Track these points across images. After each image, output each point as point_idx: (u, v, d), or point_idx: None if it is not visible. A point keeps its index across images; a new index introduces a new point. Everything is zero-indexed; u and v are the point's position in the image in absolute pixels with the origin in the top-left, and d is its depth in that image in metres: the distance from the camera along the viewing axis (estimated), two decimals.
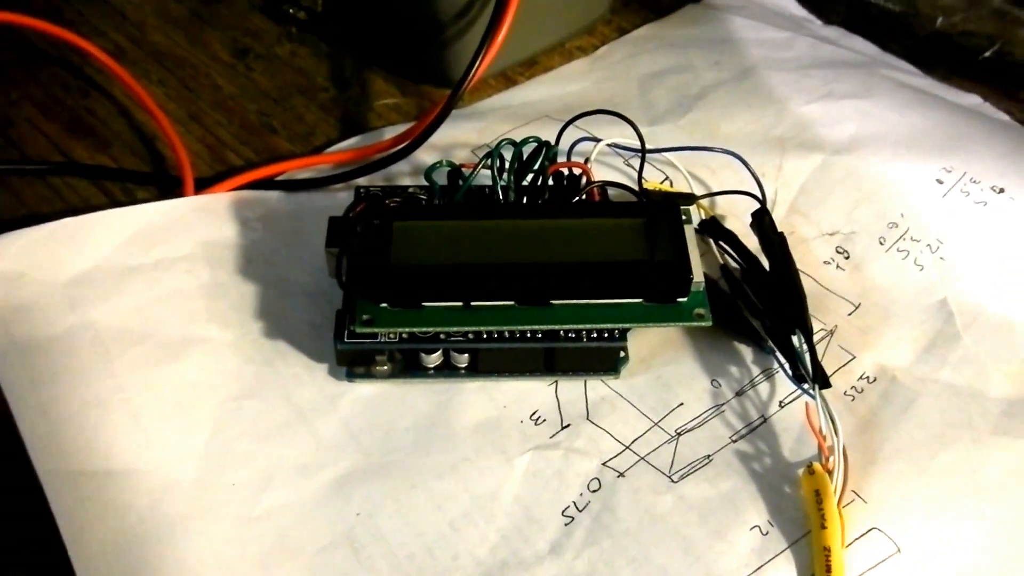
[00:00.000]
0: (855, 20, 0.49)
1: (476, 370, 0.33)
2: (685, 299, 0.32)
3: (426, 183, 0.35)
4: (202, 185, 0.40)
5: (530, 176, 0.35)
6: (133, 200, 0.40)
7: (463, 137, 0.42)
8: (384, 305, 0.31)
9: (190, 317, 0.34)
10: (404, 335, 0.32)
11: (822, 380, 0.31)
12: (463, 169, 0.35)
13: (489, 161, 0.34)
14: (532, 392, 0.33)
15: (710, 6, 0.50)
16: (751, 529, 0.30)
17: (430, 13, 0.42)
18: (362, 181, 0.40)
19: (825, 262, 0.38)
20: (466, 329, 0.32)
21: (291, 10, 0.47)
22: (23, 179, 0.40)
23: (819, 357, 0.34)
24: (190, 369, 0.33)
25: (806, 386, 0.32)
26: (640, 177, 0.37)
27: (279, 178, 0.40)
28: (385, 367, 0.33)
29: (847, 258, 0.38)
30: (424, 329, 0.31)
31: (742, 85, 0.44)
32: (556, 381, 0.34)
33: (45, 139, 0.42)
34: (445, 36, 0.43)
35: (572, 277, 0.31)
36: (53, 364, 0.32)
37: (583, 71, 0.46)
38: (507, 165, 0.35)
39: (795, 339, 0.33)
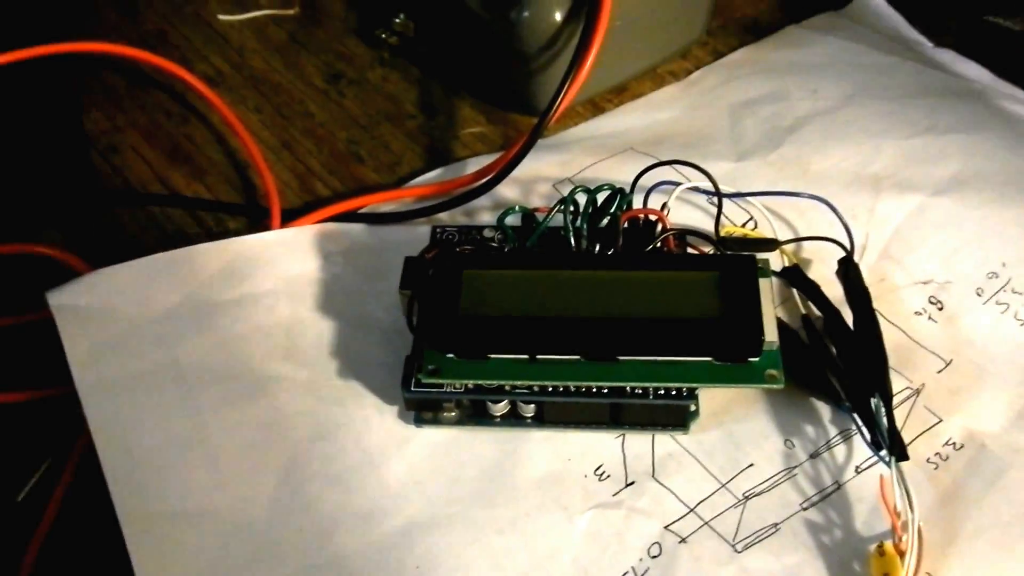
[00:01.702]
0: (969, 41, 0.46)
1: (542, 420, 0.33)
2: (757, 359, 0.31)
3: (497, 225, 0.35)
4: (289, 216, 0.41)
5: (605, 220, 0.35)
6: (224, 230, 0.41)
7: (545, 170, 0.41)
8: (451, 355, 0.32)
9: (269, 354, 0.35)
10: (470, 386, 0.32)
11: (899, 452, 0.30)
12: (537, 214, 0.35)
13: (563, 207, 0.34)
14: (599, 444, 0.33)
15: (811, 28, 0.48)
16: None
17: (517, 40, 0.42)
18: (443, 216, 0.40)
19: (916, 312, 0.36)
20: (531, 383, 0.32)
21: (383, 35, 0.48)
22: (125, 207, 0.42)
23: (903, 419, 0.33)
24: (266, 409, 0.34)
25: (883, 454, 0.31)
26: (717, 225, 0.36)
27: (362, 211, 0.41)
28: (453, 414, 0.33)
29: (940, 309, 0.36)
30: (489, 382, 0.32)
31: (839, 116, 0.42)
32: (624, 434, 0.33)
33: (146, 166, 0.44)
34: (531, 64, 0.42)
35: (640, 334, 0.31)
36: (138, 402, 0.33)
37: (673, 98, 0.45)
38: (580, 210, 0.34)
39: (874, 402, 0.31)
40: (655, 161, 0.38)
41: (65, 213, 0.42)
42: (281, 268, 0.38)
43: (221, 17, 0.50)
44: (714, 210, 0.38)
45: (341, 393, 0.35)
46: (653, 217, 0.34)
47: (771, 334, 0.31)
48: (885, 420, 0.31)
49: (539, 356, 0.31)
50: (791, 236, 0.37)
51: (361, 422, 0.34)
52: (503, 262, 0.33)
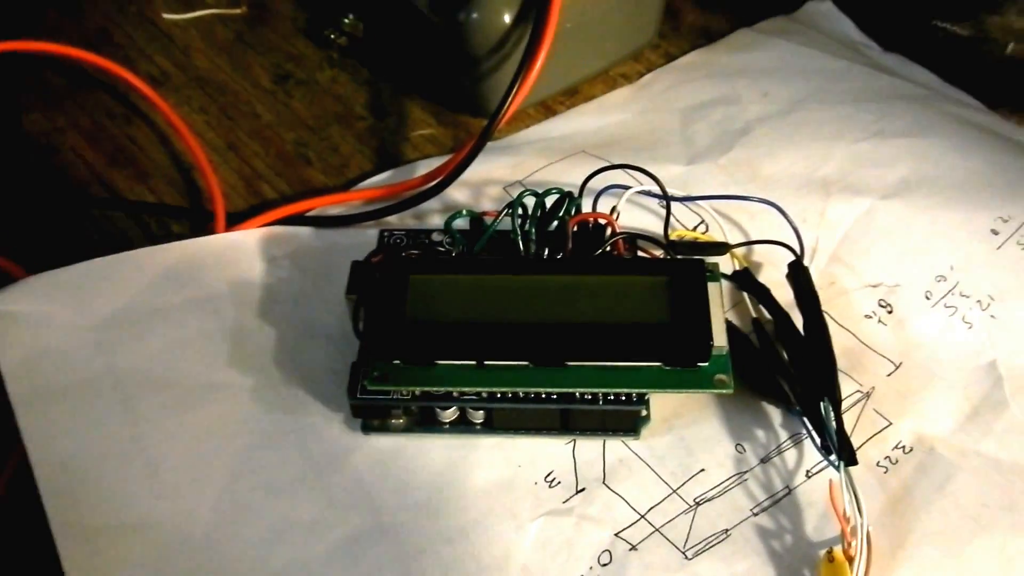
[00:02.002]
0: (918, 46, 0.46)
1: (492, 426, 0.33)
2: (706, 364, 0.31)
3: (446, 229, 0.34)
4: (234, 220, 0.40)
5: (554, 224, 0.34)
6: (168, 234, 0.40)
7: (496, 173, 0.41)
8: (397, 362, 0.31)
9: (212, 361, 0.34)
10: (417, 392, 0.31)
11: (848, 456, 0.30)
12: (485, 217, 0.35)
13: (511, 211, 0.34)
14: (549, 451, 0.33)
15: (762, 31, 0.48)
16: None
17: (465, 42, 0.41)
18: (392, 220, 0.39)
19: (866, 316, 0.36)
20: (479, 389, 0.31)
21: (332, 35, 0.47)
22: (64, 211, 0.41)
23: (852, 423, 0.33)
24: (209, 417, 0.33)
25: (833, 459, 0.30)
26: (666, 229, 0.36)
27: (310, 214, 0.40)
28: (400, 421, 0.33)
29: (890, 312, 0.36)
30: (436, 388, 0.31)
31: (789, 119, 0.42)
32: (574, 440, 0.33)
33: (87, 168, 0.43)
34: (480, 66, 0.42)
35: (588, 339, 0.31)
36: (74, 412, 0.32)
37: (625, 101, 0.45)
38: (529, 214, 0.34)
39: (823, 406, 0.31)
40: (606, 164, 0.38)
41: (1, 216, 0.40)
42: (226, 272, 0.37)
43: (166, 16, 0.49)
44: (664, 212, 0.38)
45: (287, 401, 0.34)
46: (603, 221, 0.34)
47: (720, 339, 0.31)
48: (834, 424, 0.31)
49: (487, 362, 0.31)
50: (742, 239, 0.37)
51: (307, 429, 0.33)
52: (450, 267, 0.33)
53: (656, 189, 0.36)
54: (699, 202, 0.38)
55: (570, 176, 0.40)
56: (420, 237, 0.36)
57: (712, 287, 0.32)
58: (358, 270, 0.34)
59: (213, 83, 0.46)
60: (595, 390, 0.31)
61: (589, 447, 0.33)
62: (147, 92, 0.44)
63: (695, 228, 0.38)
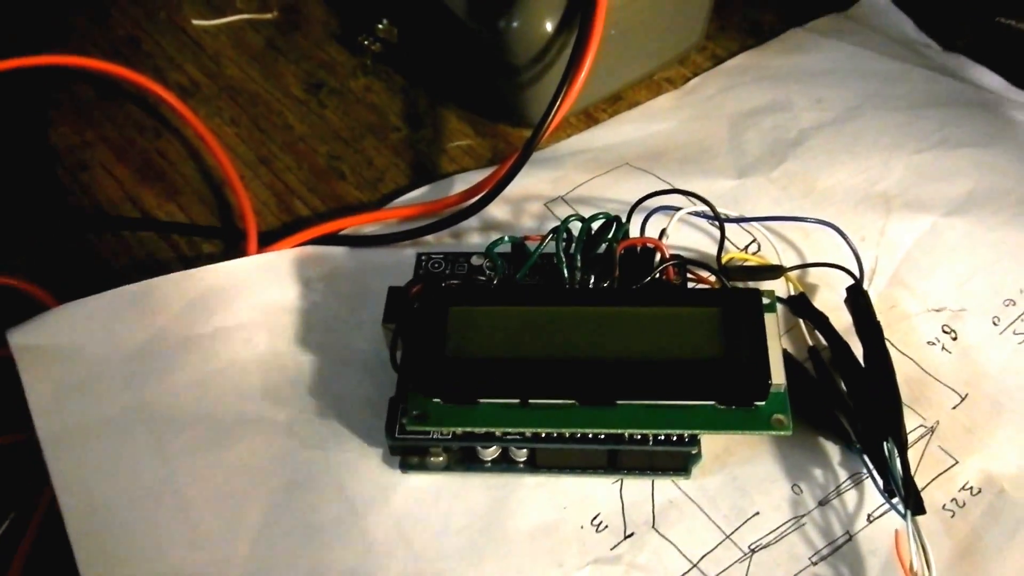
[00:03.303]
0: (982, 45, 0.44)
1: (536, 465, 0.31)
2: (763, 403, 0.29)
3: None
4: (266, 239, 0.39)
5: (602, 247, 0.33)
6: (198, 254, 0.39)
7: (536, 188, 0.39)
8: (437, 400, 0.30)
9: (245, 394, 0.33)
10: (458, 432, 0.30)
11: (916, 505, 0.28)
12: (527, 242, 0.33)
13: (555, 236, 0.32)
14: (595, 491, 0.31)
15: (814, 31, 0.45)
16: None
17: (507, 51, 0.39)
18: (430, 239, 0.38)
19: (929, 342, 0.34)
20: (523, 429, 0.30)
21: (366, 42, 0.45)
22: (94, 231, 0.40)
23: (916, 461, 0.31)
24: (243, 455, 0.32)
25: (897, 504, 0.29)
26: (719, 254, 0.34)
27: (343, 232, 0.39)
28: (440, 459, 0.31)
29: (955, 339, 0.34)
30: (478, 429, 0.30)
31: (845, 128, 0.40)
32: (621, 479, 0.31)
33: (116, 184, 0.42)
34: (522, 75, 0.40)
35: (638, 376, 0.29)
36: (104, 452, 0.31)
37: (670, 108, 0.43)
38: (575, 240, 0.32)
39: (887, 447, 0.29)
40: (652, 178, 0.37)
41: (31, 237, 0.39)
42: (257, 297, 0.36)
43: (196, 23, 0.48)
44: (716, 232, 0.36)
45: (322, 435, 0.33)
46: (651, 245, 0.32)
47: (778, 376, 0.29)
48: (900, 469, 0.29)
49: (531, 401, 0.29)
50: (796, 260, 0.36)
51: (343, 467, 0.32)
52: (492, 298, 0.31)
53: (707, 209, 0.35)
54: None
55: (614, 191, 0.39)
56: (459, 261, 0.34)
57: (769, 319, 0.30)
58: (395, 297, 0.33)
59: (245, 93, 0.45)
60: (645, 431, 0.29)
61: (637, 487, 0.31)
62: (177, 105, 0.42)
63: (747, 248, 0.36)
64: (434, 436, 0.30)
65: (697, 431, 0.29)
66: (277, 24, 0.48)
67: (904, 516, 0.28)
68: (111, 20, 0.48)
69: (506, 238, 0.32)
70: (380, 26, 0.45)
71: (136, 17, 0.48)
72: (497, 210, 0.38)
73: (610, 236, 0.32)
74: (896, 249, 0.36)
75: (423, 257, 0.35)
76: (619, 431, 0.29)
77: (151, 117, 0.44)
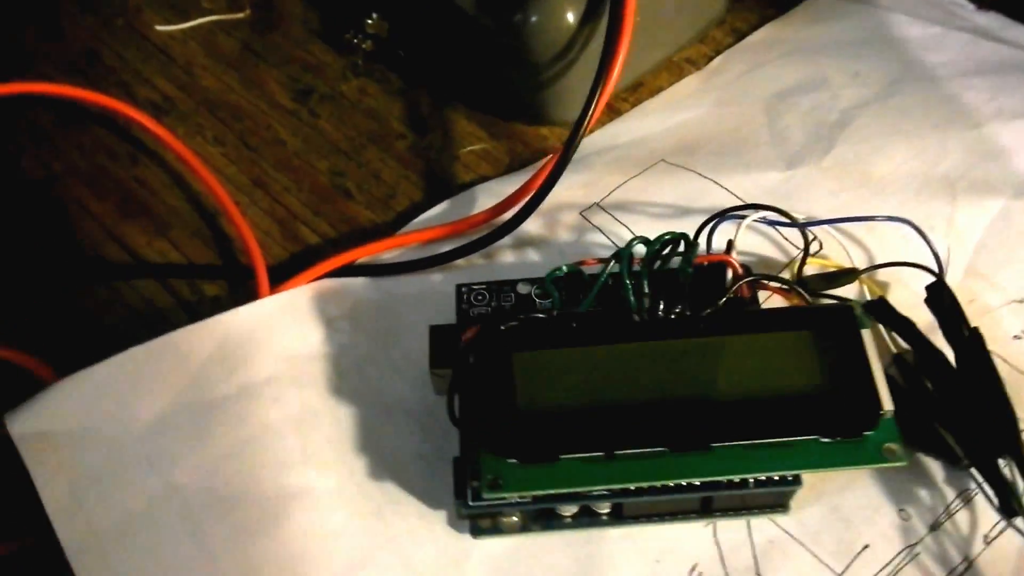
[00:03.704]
0: (1015, 1, 0.41)
1: (621, 517, 0.28)
2: (872, 432, 0.26)
3: (533, 278, 0.30)
4: (276, 274, 0.35)
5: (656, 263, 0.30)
6: (201, 298, 0.35)
7: (567, 195, 0.36)
8: (512, 460, 0.26)
9: (283, 461, 0.30)
10: (539, 494, 0.27)
11: None
12: (583, 267, 0.30)
13: (618, 263, 0.29)
14: (688, 538, 0.28)
15: None
16: None
17: (525, 48, 0.36)
18: (460, 263, 0.34)
19: (1015, 337, 0.32)
20: (610, 486, 0.27)
21: (355, 39, 0.41)
22: (79, 283, 0.36)
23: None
24: (292, 537, 0.28)
25: (1019, 522, 0.27)
26: (802, 266, 0.31)
27: (361, 261, 0.35)
28: (515, 519, 0.28)
29: None
30: (561, 490, 0.27)
31: (890, 104, 0.37)
32: (714, 522, 0.29)
33: (95, 222, 0.37)
34: (542, 73, 0.36)
35: (734, 416, 0.26)
36: (139, 551, 0.27)
37: (696, 92, 0.40)
38: (643, 265, 0.29)
39: (1003, 463, 0.27)
40: (693, 175, 0.34)
41: (9, 296, 0.35)
42: (280, 346, 0.32)
43: (159, 28, 0.43)
44: (774, 234, 0.34)
45: (376, 501, 0.29)
46: (723, 261, 0.29)
47: (887, 402, 0.26)
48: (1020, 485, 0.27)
49: (618, 452, 0.26)
50: (864, 259, 0.33)
51: (406, 536, 0.29)
52: (558, 338, 0.28)
53: (773, 215, 0.32)
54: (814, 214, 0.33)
55: (654, 193, 0.35)
56: (503, 290, 0.31)
57: (865, 336, 0.27)
58: (439, 338, 0.30)
59: (225, 106, 0.41)
60: (744, 476, 0.27)
61: (732, 529, 0.29)
62: (151, 125, 0.38)
63: (808, 248, 0.33)
64: (512, 500, 0.27)
65: (801, 471, 0.27)
66: (251, 24, 0.43)
67: None
68: (64, 34, 0.43)
69: (564, 267, 0.29)
70: (369, 21, 0.41)
71: (91, 27, 0.43)
72: (529, 224, 0.35)
73: (681, 258, 0.29)
74: (968, 238, 0.33)
75: (463, 289, 0.31)
76: (717, 478, 0.27)
77: (123, 141, 0.40)
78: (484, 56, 0.38)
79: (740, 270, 0.29)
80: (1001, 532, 0.28)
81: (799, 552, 0.28)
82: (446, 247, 0.35)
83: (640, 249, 0.29)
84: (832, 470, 0.27)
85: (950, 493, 0.29)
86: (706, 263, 0.30)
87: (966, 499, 0.29)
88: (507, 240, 0.35)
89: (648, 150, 0.37)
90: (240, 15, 0.44)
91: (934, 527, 0.28)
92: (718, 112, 0.39)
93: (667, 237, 0.29)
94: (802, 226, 0.31)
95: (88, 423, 0.29)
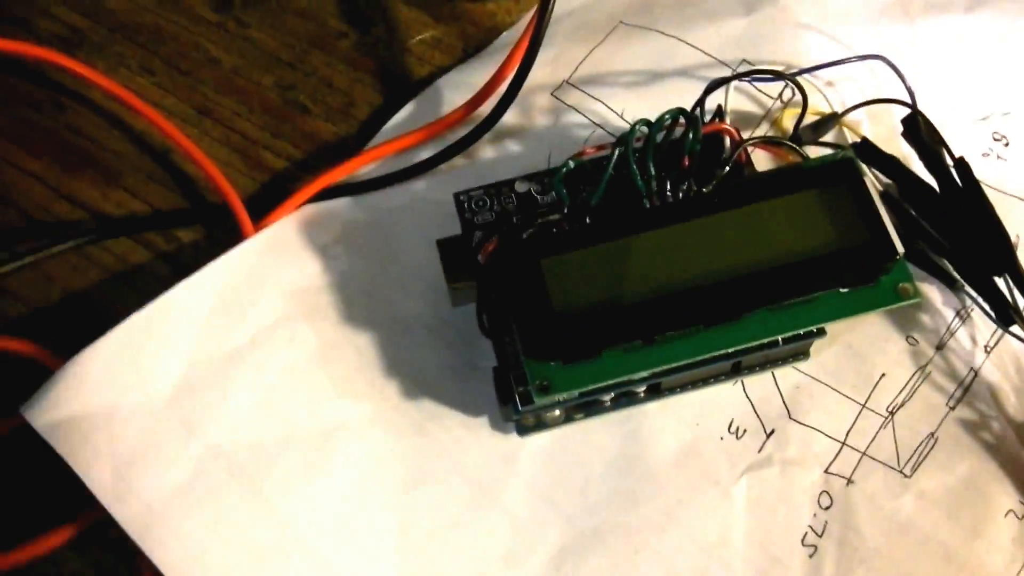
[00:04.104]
0: None
1: (657, 392, 0.30)
2: (887, 275, 0.28)
3: (529, 174, 0.30)
4: (254, 208, 0.33)
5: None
6: (179, 245, 0.34)
7: (535, 76, 0.34)
8: (555, 363, 0.27)
9: (316, 398, 0.30)
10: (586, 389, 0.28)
11: None
12: (583, 157, 0.30)
13: (623, 149, 0.29)
14: (720, 398, 0.30)
15: None
16: (1005, 515, 0.28)
17: None
18: (443, 168, 0.34)
19: (983, 155, 0.33)
20: (652, 370, 0.28)
21: None
22: (42, 251, 0.33)
23: None
24: (345, 470, 0.29)
25: (1015, 329, 0.29)
26: (800, 122, 0.31)
27: (341, 182, 0.34)
28: (558, 412, 0.29)
29: (1007, 145, 0.33)
30: (607, 382, 0.27)
31: None
32: (741, 379, 0.30)
33: (38, 182, 0.35)
34: None
35: (760, 284, 0.27)
36: (202, 520, 0.27)
37: None
38: (650, 149, 0.29)
39: (1000, 282, 0.29)
40: (656, 35, 0.33)
41: None
42: (280, 283, 0.32)
43: None
44: (747, 86, 0.34)
45: (417, 419, 0.30)
46: (723, 132, 0.29)
47: (899, 245, 0.28)
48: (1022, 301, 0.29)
49: (656, 337, 0.27)
50: (835, 97, 0.34)
51: (454, 446, 0.29)
52: (579, 239, 0.28)
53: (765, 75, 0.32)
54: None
55: (622, 61, 0.35)
56: (503, 192, 0.31)
57: (868, 184, 0.28)
58: (449, 251, 0.30)
59: (142, 28, 0.37)
60: (774, 337, 0.28)
61: (759, 382, 0.30)
62: (67, 63, 0.35)
63: (780, 96, 0.34)
64: (559, 399, 0.28)
65: (826, 323, 0.28)
66: None
67: None
68: None
69: (571, 162, 0.29)
70: None
71: None
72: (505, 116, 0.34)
73: (687, 136, 0.29)
74: (930, 62, 0.34)
75: (462, 198, 0.31)
76: (750, 344, 0.28)
77: (41, 87, 0.36)
78: None
79: (738, 136, 0.29)
80: (998, 341, 0.30)
81: (823, 391, 0.30)
82: (425, 153, 0.34)
83: (640, 129, 0.29)
84: (853, 317, 0.28)
85: (948, 314, 0.31)
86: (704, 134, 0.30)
87: (963, 317, 0.31)
88: (488, 136, 0.34)
89: (605, 12, 0.36)
90: None
91: (939, 347, 0.30)
92: None
93: (667, 117, 0.29)
94: (790, 78, 0.31)
95: (111, 401, 0.29)
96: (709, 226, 0.28)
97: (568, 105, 0.34)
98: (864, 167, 0.32)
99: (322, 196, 0.33)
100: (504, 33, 0.36)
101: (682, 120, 0.29)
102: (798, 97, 0.33)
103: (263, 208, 0.33)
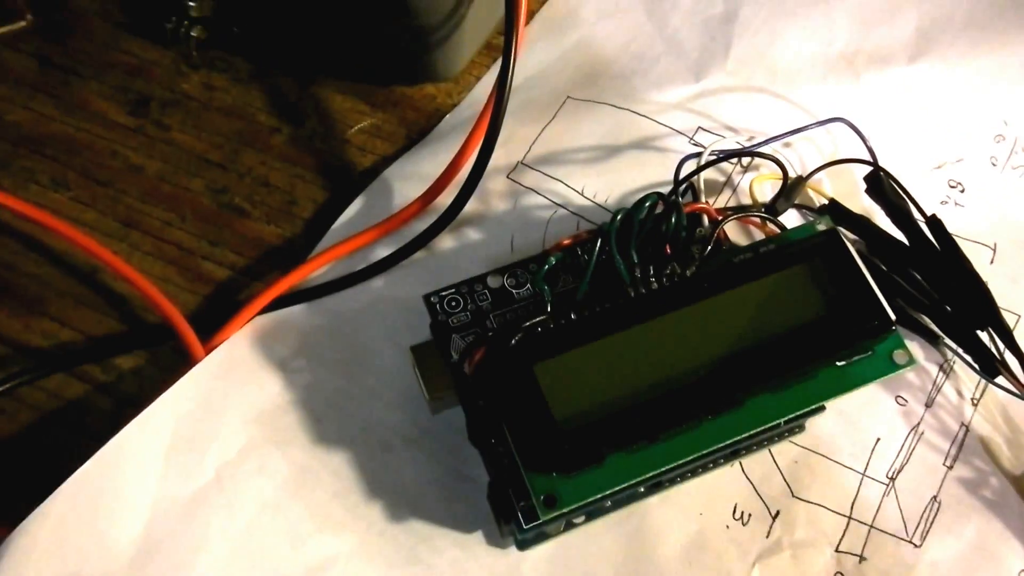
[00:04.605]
0: None
1: (658, 485, 0.28)
2: (881, 345, 0.27)
3: (500, 268, 0.29)
4: (201, 326, 0.31)
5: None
6: (119, 375, 0.31)
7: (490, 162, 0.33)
8: (556, 474, 0.25)
9: (298, 537, 0.27)
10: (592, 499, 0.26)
11: None
12: (562, 247, 0.28)
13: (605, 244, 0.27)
14: (721, 483, 0.29)
15: None
16: (1019, 575, 0.28)
17: (407, 9, 0.32)
18: (403, 265, 0.32)
19: (942, 202, 0.33)
20: (660, 469, 0.26)
21: (181, 28, 0.35)
22: None
23: None
24: None
25: (1000, 380, 0.29)
26: (780, 197, 0.31)
27: (294, 289, 0.32)
28: (559, 522, 0.28)
29: (963, 191, 0.33)
30: (614, 487, 0.26)
31: None
32: (739, 461, 0.29)
33: None
34: (429, 23, 0.32)
35: (761, 364, 0.26)
36: None
37: (572, 9, 0.37)
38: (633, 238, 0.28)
39: (984, 336, 0.29)
40: (608, 108, 0.33)
41: None
42: (242, 408, 0.29)
43: None
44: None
45: (407, 544, 0.28)
46: (703, 213, 0.29)
47: (891, 313, 0.27)
48: (1010, 355, 0.29)
49: (659, 434, 0.26)
50: (792, 157, 0.33)
51: (450, 570, 0.28)
52: (569, 339, 0.26)
53: (727, 144, 0.31)
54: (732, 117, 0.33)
55: (575, 137, 0.34)
56: (475, 290, 0.29)
57: (855, 255, 0.28)
58: (425, 358, 0.28)
59: (51, 140, 0.34)
60: (778, 420, 0.27)
61: (757, 461, 0.29)
62: None
63: (739, 161, 0.33)
64: (564, 511, 0.26)
65: (826, 400, 0.27)
66: (41, 32, 0.36)
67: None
68: None
69: (552, 259, 0.27)
70: (192, 3, 0.35)
71: None
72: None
73: (672, 223, 0.28)
74: (880, 115, 0.34)
75: (433, 299, 0.29)
76: (753, 430, 0.27)
77: None
78: (354, 17, 0.34)
79: (716, 215, 0.29)
80: (983, 392, 0.30)
81: (822, 463, 0.29)
82: (382, 250, 0.32)
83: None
84: (853, 391, 0.28)
85: (932, 369, 0.31)
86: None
87: (946, 371, 0.31)
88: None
89: (549, 89, 0.35)
90: (21, 24, 0.36)
91: (928, 404, 0.30)
92: (600, 29, 0.37)
93: (647, 203, 0.28)
94: (772, 157, 0.30)
95: (67, 573, 0.25)
96: (701, 312, 0.27)
97: (526, 187, 0.33)
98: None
99: (275, 305, 0.31)
100: (447, 116, 0.35)
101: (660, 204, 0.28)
102: (757, 161, 0.33)
103: (211, 325, 0.31)
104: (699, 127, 0.33)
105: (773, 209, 0.30)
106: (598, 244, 0.27)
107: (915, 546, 0.28)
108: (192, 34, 0.36)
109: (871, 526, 0.28)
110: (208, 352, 0.30)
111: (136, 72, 0.36)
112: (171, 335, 0.31)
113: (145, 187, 0.34)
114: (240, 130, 0.35)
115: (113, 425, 0.29)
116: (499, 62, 0.36)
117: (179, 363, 0.30)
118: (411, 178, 0.33)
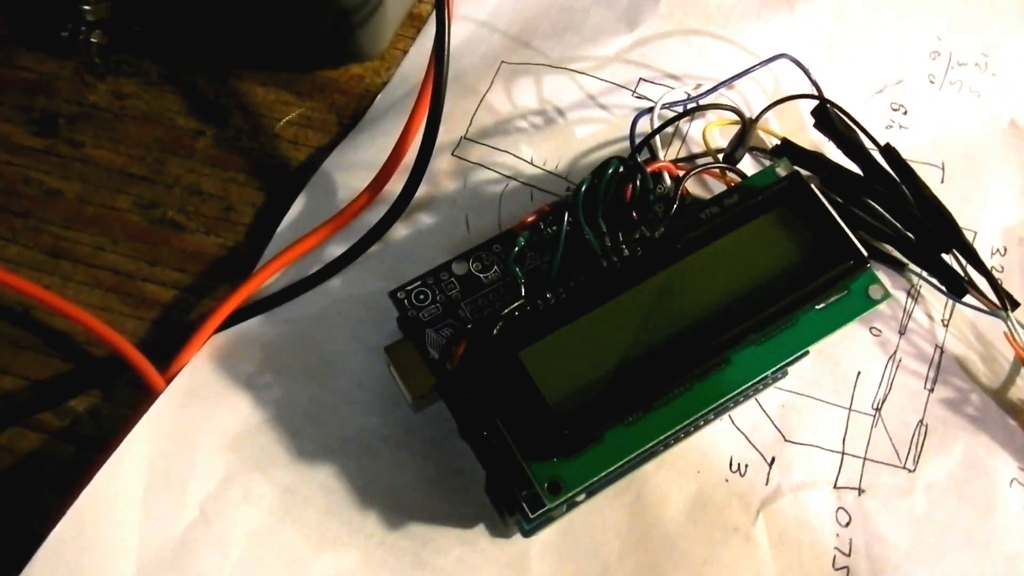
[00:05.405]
0: None
1: (653, 453, 0.28)
2: (857, 282, 0.27)
3: (463, 253, 0.28)
4: (153, 353, 0.29)
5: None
6: (75, 419, 0.29)
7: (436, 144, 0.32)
8: (556, 459, 0.25)
9: (295, 559, 0.26)
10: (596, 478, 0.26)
11: (1012, 302, 0.29)
12: (527, 224, 0.27)
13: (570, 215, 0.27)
14: (713, 440, 0.29)
15: None
16: (1010, 485, 0.28)
17: None
18: (357, 264, 0.30)
19: (887, 127, 0.33)
20: (659, 438, 0.26)
21: (79, 35, 0.33)
22: None
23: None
24: None
25: (969, 299, 0.29)
26: (737, 145, 0.30)
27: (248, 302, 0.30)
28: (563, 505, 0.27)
29: (905, 113, 0.34)
30: (615, 464, 0.26)
31: None
32: (728, 414, 0.29)
33: None
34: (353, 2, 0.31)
35: (744, 315, 0.26)
36: None
37: None
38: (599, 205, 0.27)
39: (948, 259, 0.29)
40: (545, 69, 0.32)
41: None
42: (215, 435, 0.28)
43: None
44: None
45: (411, 551, 0.27)
46: (665, 172, 0.28)
47: (863, 250, 0.27)
48: (978, 274, 0.29)
49: (654, 403, 0.26)
50: (736, 98, 0.33)
51: (458, 569, 0.27)
52: (550, 320, 0.26)
53: (674, 96, 0.30)
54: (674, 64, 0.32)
55: (518, 103, 0.33)
56: (441, 279, 0.28)
57: (821, 196, 0.27)
58: (402, 358, 0.27)
59: None
60: (768, 372, 0.27)
61: (745, 411, 0.29)
62: None
63: (686, 107, 0.32)
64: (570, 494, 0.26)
65: (810, 344, 0.27)
66: None
67: (1006, 319, 0.29)
68: None
69: (521, 239, 0.26)
70: (87, 7, 0.33)
71: None
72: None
73: (639, 186, 0.27)
74: (817, 45, 0.34)
75: (400, 295, 0.28)
76: (746, 385, 0.27)
77: None
78: (270, 3, 0.32)
79: (678, 171, 0.28)
80: (952, 313, 0.31)
81: (808, 404, 0.29)
82: (335, 248, 0.30)
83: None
84: (834, 332, 0.28)
85: (901, 296, 0.31)
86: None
87: (915, 296, 0.31)
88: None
89: (481, 55, 0.34)
90: None
91: (902, 331, 0.30)
92: None
93: (610, 169, 0.27)
94: (733, 108, 0.30)
95: None
96: (677, 275, 0.26)
97: (473, 163, 0.32)
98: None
99: (230, 321, 0.30)
100: (379, 96, 0.33)
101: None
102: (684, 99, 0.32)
103: (165, 351, 0.29)
104: (640, 78, 0.33)
105: (731, 158, 0.30)
106: (566, 218, 0.26)
107: (909, 471, 0.28)
108: (92, 40, 0.33)
109: (865, 458, 0.29)
110: (168, 381, 0.28)
111: (36, 88, 0.33)
112: (124, 368, 0.29)
113: (67, 212, 0.32)
114: (160, 137, 0.33)
115: (78, 472, 0.27)
116: (425, 32, 0.35)
117: (138, 397, 0.28)
118: (352, 168, 0.31)
